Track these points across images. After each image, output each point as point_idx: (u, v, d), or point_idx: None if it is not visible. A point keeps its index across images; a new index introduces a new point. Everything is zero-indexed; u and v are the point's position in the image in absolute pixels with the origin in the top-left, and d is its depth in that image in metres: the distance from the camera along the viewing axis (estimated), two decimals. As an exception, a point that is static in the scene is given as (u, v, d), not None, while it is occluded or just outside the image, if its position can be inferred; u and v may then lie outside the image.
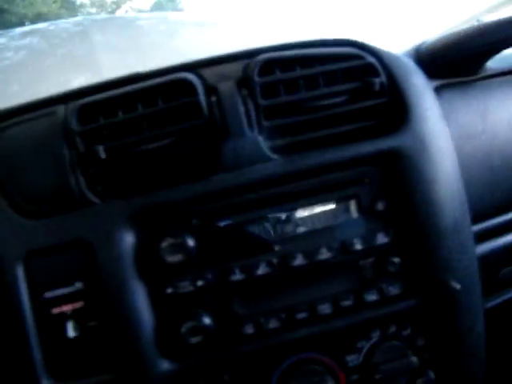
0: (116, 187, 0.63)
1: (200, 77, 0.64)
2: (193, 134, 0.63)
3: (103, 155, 0.61)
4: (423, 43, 0.82)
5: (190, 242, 0.62)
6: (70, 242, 0.63)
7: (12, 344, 0.63)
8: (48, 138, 0.63)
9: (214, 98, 0.63)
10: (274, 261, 0.64)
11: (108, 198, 0.63)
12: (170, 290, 0.63)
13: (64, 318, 0.63)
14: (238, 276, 0.64)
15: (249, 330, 0.65)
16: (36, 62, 1.93)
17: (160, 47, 1.83)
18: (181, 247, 0.62)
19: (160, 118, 0.63)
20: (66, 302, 0.63)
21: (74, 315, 0.63)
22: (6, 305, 0.63)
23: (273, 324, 0.65)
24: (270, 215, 0.65)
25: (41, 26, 2.43)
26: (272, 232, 0.65)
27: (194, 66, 0.65)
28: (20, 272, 0.63)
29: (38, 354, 0.63)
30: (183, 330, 0.62)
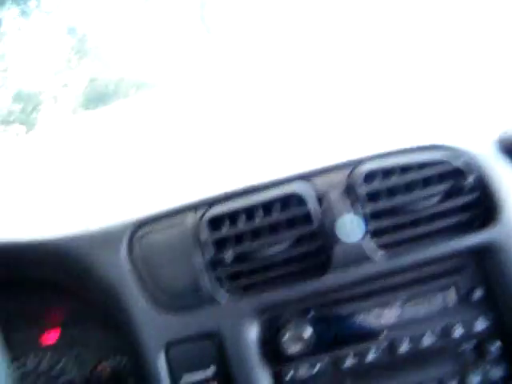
0: (241, 287, 0.73)
1: (310, 187, 0.74)
2: (306, 239, 0.72)
3: (229, 260, 0.71)
4: (507, 132, 0.87)
5: (308, 333, 0.71)
6: (203, 334, 0.73)
7: None
8: (181, 245, 0.74)
9: (324, 205, 0.72)
10: (383, 346, 0.71)
11: (234, 296, 0.73)
12: (289, 376, 0.71)
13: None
14: (350, 361, 0.71)
15: None
16: None
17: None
18: (299, 338, 0.70)
19: (277, 226, 0.73)
20: None
21: None
22: None
23: None
24: (377, 305, 0.73)
25: None
26: (380, 321, 0.73)
27: (305, 176, 0.75)
28: (161, 359, 0.73)
29: None
30: None
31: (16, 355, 0.96)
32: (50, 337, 0.95)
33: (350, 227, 0.71)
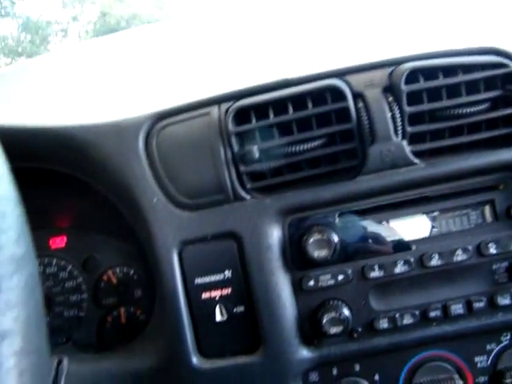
0: (266, 185, 0.68)
1: (347, 83, 0.68)
2: (341, 137, 0.67)
3: (257, 155, 0.66)
4: None
5: (335, 239, 0.66)
6: (222, 234, 0.68)
7: (166, 323, 0.70)
8: (204, 138, 0.69)
9: (360, 104, 0.67)
10: (412, 260, 0.67)
11: (258, 195, 0.68)
12: (311, 283, 0.68)
13: (213, 302, 0.69)
14: (376, 273, 0.67)
15: (383, 324, 0.68)
16: None
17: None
18: (326, 243, 0.66)
19: (309, 121, 0.67)
20: (215, 288, 0.69)
21: (222, 300, 0.69)
22: (162, 288, 0.70)
23: (406, 320, 0.68)
24: (409, 216, 0.68)
25: None
26: (410, 232, 0.68)
27: (342, 73, 0.69)
28: (175, 259, 0.69)
29: (189, 334, 0.69)
30: (324, 320, 0.66)
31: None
32: (59, 240, 0.92)
33: (389, 128, 0.66)
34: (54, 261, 0.91)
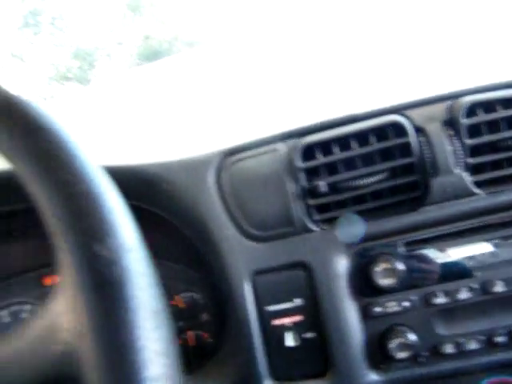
0: (333, 217, 0.72)
1: (408, 118, 0.71)
2: (403, 171, 0.70)
3: (323, 189, 0.70)
4: None
5: (400, 267, 0.69)
6: (292, 264, 0.72)
7: (240, 348, 0.75)
8: (273, 173, 0.73)
9: (422, 138, 0.70)
10: (475, 286, 0.69)
11: (325, 226, 0.72)
12: (378, 309, 0.71)
13: (284, 328, 0.73)
14: (440, 299, 0.70)
15: (449, 349, 0.70)
16: None
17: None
18: (392, 272, 0.69)
19: (372, 155, 0.71)
20: (286, 315, 0.73)
21: (292, 326, 0.73)
22: (235, 314, 0.74)
23: (472, 345, 0.70)
24: (471, 244, 0.71)
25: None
26: (473, 260, 0.70)
27: (402, 108, 0.72)
28: (248, 288, 0.73)
29: (261, 358, 0.73)
30: (391, 345, 0.69)
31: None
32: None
33: (450, 161, 0.69)
34: None
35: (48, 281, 1.00)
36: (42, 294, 0.98)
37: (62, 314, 0.32)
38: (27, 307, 0.98)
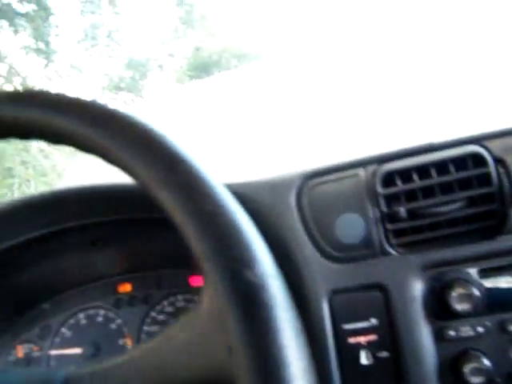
0: (411, 242, 0.75)
1: (487, 149, 0.73)
2: (482, 200, 0.72)
3: (404, 215, 0.73)
4: None
5: (475, 293, 0.71)
6: (369, 285, 0.76)
7: (315, 364, 0.78)
8: (353, 197, 0.77)
9: (501, 169, 0.72)
10: None
11: (402, 250, 0.75)
12: (452, 333, 0.73)
13: (359, 347, 0.76)
14: None
15: None
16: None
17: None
18: (468, 297, 0.71)
19: (451, 184, 0.73)
20: (362, 333, 0.76)
21: (367, 346, 0.76)
22: (312, 332, 0.78)
23: None
24: (548, 274, 0.72)
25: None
26: (550, 289, 0.72)
27: (481, 138, 0.75)
28: (325, 306, 0.77)
29: (335, 375, 0.76)
30: (465, 369, 0.71)
31: (169, 292, 1.06)
32: (197, 279, 1.03)
33: (529, 192, 0.71)
34: (196, 297, 1.02)
35: (122, 288, 1.07)
36: (116, 301, 1.04)
37: (210, 330, 0.37)
38: (102, 312, 1.05)
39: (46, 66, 10.95)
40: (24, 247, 0.91)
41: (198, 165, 0.41)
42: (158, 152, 0.41)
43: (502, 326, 0.72)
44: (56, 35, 10.79)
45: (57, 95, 0.44)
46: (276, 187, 0.82)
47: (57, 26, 10.65)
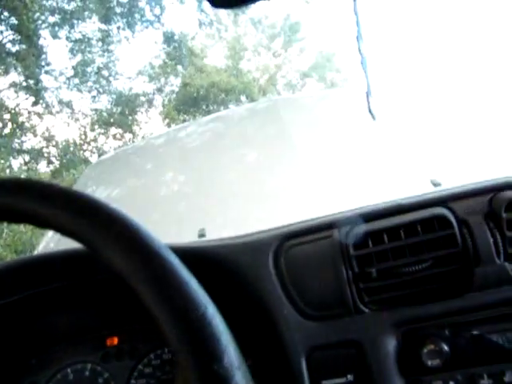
0: (383, 300, 0.79)
1: (452, 211, 0.78)
2: (448, 260, 0.77)
3: (374, 275, 0.77)
4: None
5: (446, 349, 0.75)
6: (345, 342, 0.79)
7: None
8: (328, 258, 0.81)
9: (465, 230, 0.77)
10: None
11: (376, 308, 0.79)
12: None
13: (337, 402, 0.79)
14: (485, 381, 0.74)
15: None
16: (215, 142, 2.26)
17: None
18: (438, 353, 0.75)
19: (419, 245, 0.78)
20: None
21: None
22: None
23: None
24: (513, 328, 0.76)
25: (222, 112, 2.86)
26: (515, 343, 0.76)
27: (446, 200, 0.79)
28: (304, 362, 0.80)
29: None
30: None
31: (155, 345, 1.07)
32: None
33: (492, 252, 0.75)
34: None
35: (109, 342, 1.08)
36: (104, 354, 1.06)
37: None
38: (89, 366, 1.06)
39: (36, 103, 11.07)
40: (12, 305, 0.94)
41: (172, 259, 0.44)
42: (136, 245, 0.44)
43: (472, 380, 0.75)
44: (46, 72, 10.95)
45: (48, 186, 0.48)
46: (254, 249, 0.86)
47: (47, 64, 10.82)
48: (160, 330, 0.41)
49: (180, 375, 0.41)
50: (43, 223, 0.47)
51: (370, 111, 0.86)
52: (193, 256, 0.90)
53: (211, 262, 0.89)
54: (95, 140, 12.36)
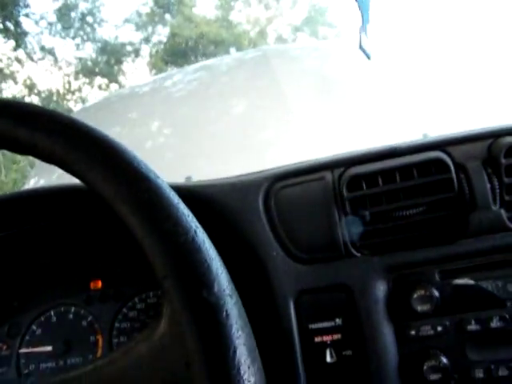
0: (375, 244, 0.77)
1: (450, 155, 0.76)
2: (443, 205, 0.75)
3: (368, 218, 0.75)
4: None
5: (436, 294, 0.74)
6: (334, 286, 0.78)
7: (281, 363, 0.80)
8: (319, 200, 0.79)
9: (462, 175, 0.75)
10: (507, 316, 0.74)
11: (368, 253, 0.78)
12: (413, 332, 0.75)
13: (324, 346, 0.78)
14: (473, 326, 0.74)
15: (479, 374, 0.74)
16: (202, 92, 2.21)
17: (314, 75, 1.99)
18: (428, 298, 0.74)
19: (414, 189, 0.76)
20: (327, 333, 0.78)
21: (332, 344, 0.78)
22: (279, 331, 0.80)
23: (502, 372, 0.74)
24: (505, 276, 0.75)
25: (209, 61, 2.78)
26: (505, 290, 0.75)
27: (443, 145, 0.77)
28: (292, 306, 0.79)
29: (301, 373, 0.79)
30: (424, 367, 0.74)
31: (140, 289, 1.06)
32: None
33: (488, 198, 0.73)
34: None
35: (93, 285, 1.07)
36: (88, 297, 1.04)
37: (169, 346, 0.38)
38: (73, 309, 1.05)
39: (17, 47, 10.69)
40: None
41: (159, 182, 0.41)
42: (121, 168, 0.41)
43: (460, 326, 0.75)
44: (26, 15, 10.52)
45: (25, 106, 0.44)
46: (244, 189, 0.83)
47: (26, 6, 10.37)
48: (145, 256, 0.38)
49: (167, 306, 0.39)
50: (24, 148, 0.44)
51: (361, 48, 0.81)
52: (179, 195, 0.87)
53: (199, 202, 0.86)
54: (79, 90, 12.09)
